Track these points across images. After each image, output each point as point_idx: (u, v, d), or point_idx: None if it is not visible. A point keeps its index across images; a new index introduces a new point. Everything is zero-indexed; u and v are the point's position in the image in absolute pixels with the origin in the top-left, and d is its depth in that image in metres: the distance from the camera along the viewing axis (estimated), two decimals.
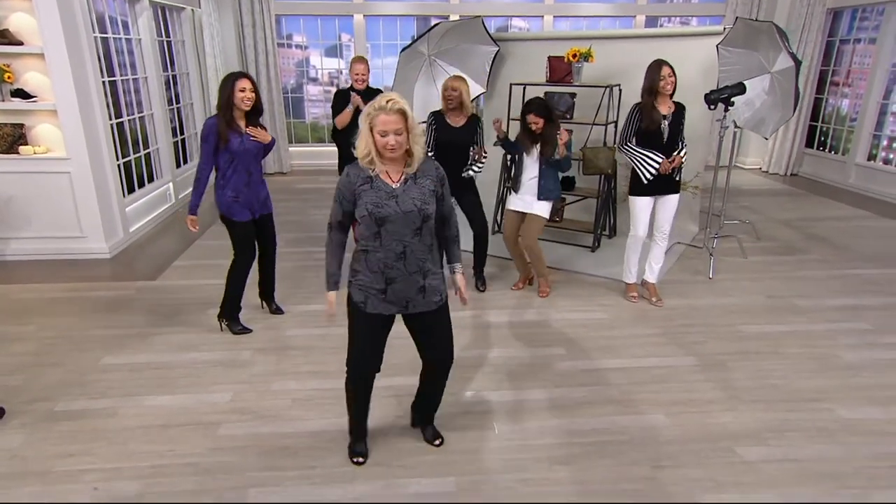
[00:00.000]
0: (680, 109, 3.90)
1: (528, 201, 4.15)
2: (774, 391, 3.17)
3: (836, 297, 4.37)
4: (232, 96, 3.44)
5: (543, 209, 4.14)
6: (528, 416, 2.94)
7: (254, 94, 3.50)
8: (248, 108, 3.50)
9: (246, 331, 3.86)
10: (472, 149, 4.16)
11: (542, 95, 4.71)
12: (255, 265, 3.92)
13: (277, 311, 4.12)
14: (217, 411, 2.97)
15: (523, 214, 4.21)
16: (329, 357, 3.50)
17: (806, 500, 2.38)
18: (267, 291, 4.13)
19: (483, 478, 2.51)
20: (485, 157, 4.20)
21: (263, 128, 3.67)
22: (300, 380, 3.26)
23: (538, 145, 4.02)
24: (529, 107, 3.98)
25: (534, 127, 3.94)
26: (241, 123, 3.55)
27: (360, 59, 4.67)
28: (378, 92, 4.63)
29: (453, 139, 4.13)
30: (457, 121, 4.15)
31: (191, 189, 3.80)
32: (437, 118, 4.19)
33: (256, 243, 3.83)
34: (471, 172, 4.19)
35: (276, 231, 3.99)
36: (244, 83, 3.45)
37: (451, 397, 3.09)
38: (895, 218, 6.51)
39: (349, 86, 4.74)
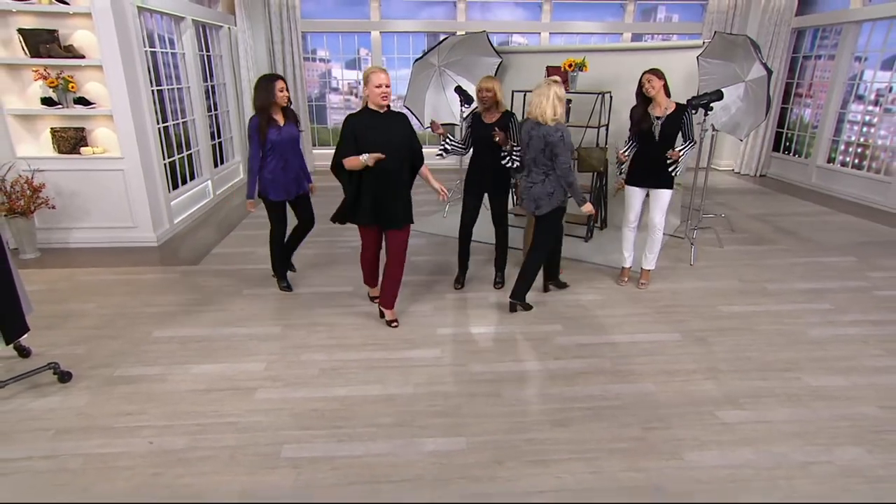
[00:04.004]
0: (679, 110, 3.79)
1: None
2: (749, 362, 3.14)
3: (801, 282, 4.32)
4: (272, 95, 3.56)
5: None
6: (530, 385, 2.92)
7: (288, 92, 3.68)
8: (285, 105, 3.65)
9: (288, 289, 4.08)
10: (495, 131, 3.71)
11: None
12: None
13: (290, 267, 4.29)
14: (253, 378, 2.96)
15: None
16: (352, 332, 3.48)
17: (778, 456, 2.36)
18: (287, 251, 4.22)
19: (491, 438, 2.49)
20: (515, 146, 3.79)
21: (297, 119, 3.82)
22: (327, 352, 3.24)
23: None
24: None
25: None
26: (278, 117, 3.67)
27: (380, 69, 3.17)
28: (400, 115, 3.34)
29: (484, 134, 3.80)
30: (490, 118, 3.81)
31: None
32: (474, 118, 3.94)
33: (296, 216, 4.02)
34: (514, 163, 3.83)
35: (313, 209, 4.08)
36: (281, 83, 3.62)
37: (461, 368, 3.08)
38: (852, 213, 6.44)
39: (363, 105, 3.24)
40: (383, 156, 3.07)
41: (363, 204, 3.27)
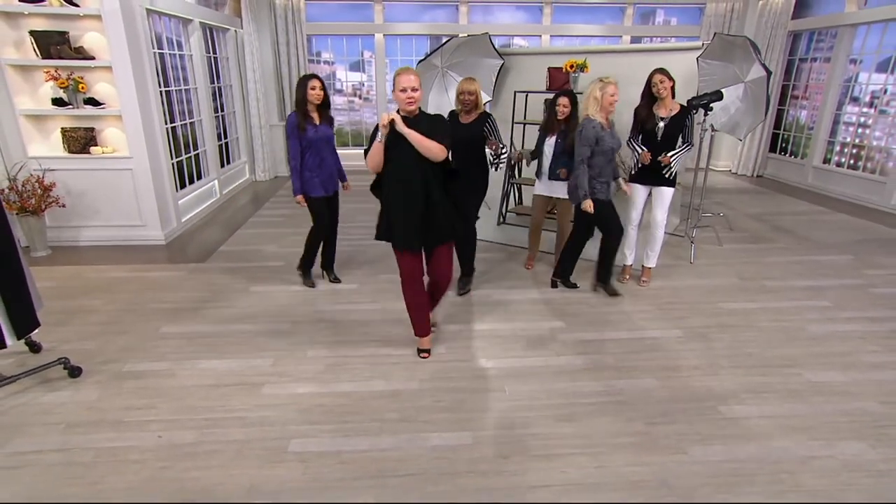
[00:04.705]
0: (683, 112, 3.78)
1: (552, 186, 4.07)
2: (750, 358, 3.11)
3: (800, 279, 4.29)
4: (305, 94, 3.60)
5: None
6: (534, 380, 2.89)
7: (322, 91, 3.67)
8: (318, 103, 3.67)
9: (312, 285, 4.09)
10: (486, 142, 3.75)
11: (543, 102, 4.62)
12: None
13: (336, 280, 4.20)
14: (260, 374, 2.94)
15: (549, 198, 4.15)
16: (357, 328, 3.45)
17: (780, 450, 2.33)
18: (327, 263, 4.23)
19: (496, 432, 2.46)
20: (503, 150, 3.84)
21: (331, 118, 3.84)
22: (332, 348, 3.21)
23: (558, 128, 3.98)
24: (562, 92, 3.96)
25: (563, 109, 3.89)
26: (315, 115, 3.71)
27: (407, 70, 2.73)
28: (433, 119, 2.83)
29: (462, 135, 3.67)
30: (467, 118, 3.76)
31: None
32: (451, 117, 3.90)
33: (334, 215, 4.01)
34: (501, 167, 3.91)
35: (339, 208, 4.07)
36: (314, 83, 3.63)
37: (466, 363, 3.05)
38: (847, 212, 6.40)
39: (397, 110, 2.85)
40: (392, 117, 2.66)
41: (394, 221, 2.82)
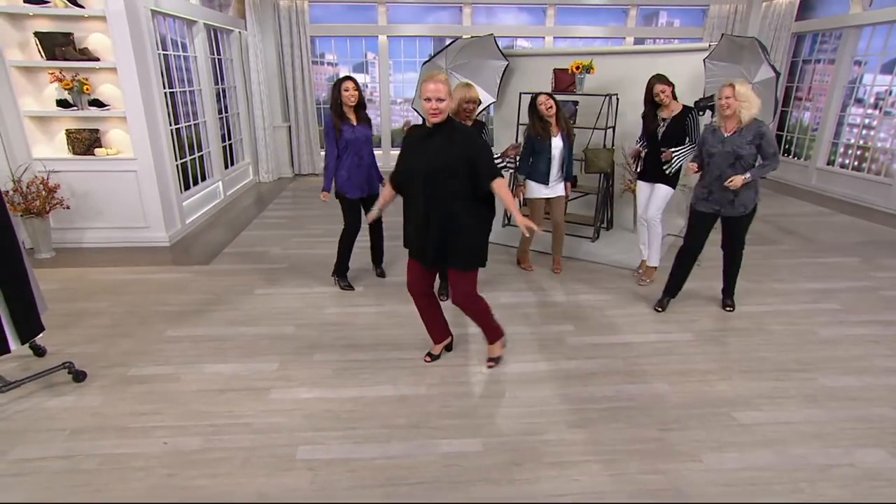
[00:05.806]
0: (683, 112, 3.82)
1: (553, 186, 4.09)
2: (763, 363, 3.04)
3: (808, 282, 4.22)
4: (339, 96, 3.60)
5: (563, 189, 4.19)
6: (544, 386, 2.82)
7: (356, 92, 3.65)
8: (353, 104, 3.66)
9: (350, 288, 4.04)
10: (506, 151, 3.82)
11: None
12: (363, 236, 4.07)
13: (381, 274, 4.26)
14: (266, 378, 2.88)
15: (546, 200, 4.13)
16: (364, 332, 3.39)
17: (798, 458, 2.27)
18: (376, 258, 4.27)
19: (507, 439, 2.40)
20: (509, 157, 3.88)
21: (367, 118, 3.83)
22: (339, 352, 3.15)
23: (560, 128, 4.00)
24: (537, 94, 3.97)
25: (547, 109, 3.90)
26: (351, 116, 3.71)
27: (434, 77, 2.41)
28: (458, 130, 2.53)
29: None
30: None
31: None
32: None
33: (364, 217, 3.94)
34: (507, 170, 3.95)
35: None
36: (347, 84, 3.63)
37: (473, 368, 2.99)
38: (851, 214, 6.34)
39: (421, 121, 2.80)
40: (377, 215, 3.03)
41: (408, 231, 2.73)
